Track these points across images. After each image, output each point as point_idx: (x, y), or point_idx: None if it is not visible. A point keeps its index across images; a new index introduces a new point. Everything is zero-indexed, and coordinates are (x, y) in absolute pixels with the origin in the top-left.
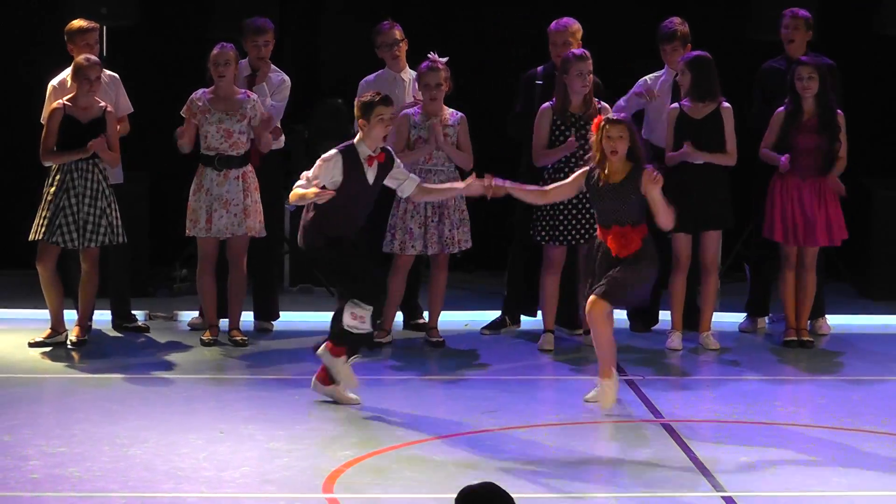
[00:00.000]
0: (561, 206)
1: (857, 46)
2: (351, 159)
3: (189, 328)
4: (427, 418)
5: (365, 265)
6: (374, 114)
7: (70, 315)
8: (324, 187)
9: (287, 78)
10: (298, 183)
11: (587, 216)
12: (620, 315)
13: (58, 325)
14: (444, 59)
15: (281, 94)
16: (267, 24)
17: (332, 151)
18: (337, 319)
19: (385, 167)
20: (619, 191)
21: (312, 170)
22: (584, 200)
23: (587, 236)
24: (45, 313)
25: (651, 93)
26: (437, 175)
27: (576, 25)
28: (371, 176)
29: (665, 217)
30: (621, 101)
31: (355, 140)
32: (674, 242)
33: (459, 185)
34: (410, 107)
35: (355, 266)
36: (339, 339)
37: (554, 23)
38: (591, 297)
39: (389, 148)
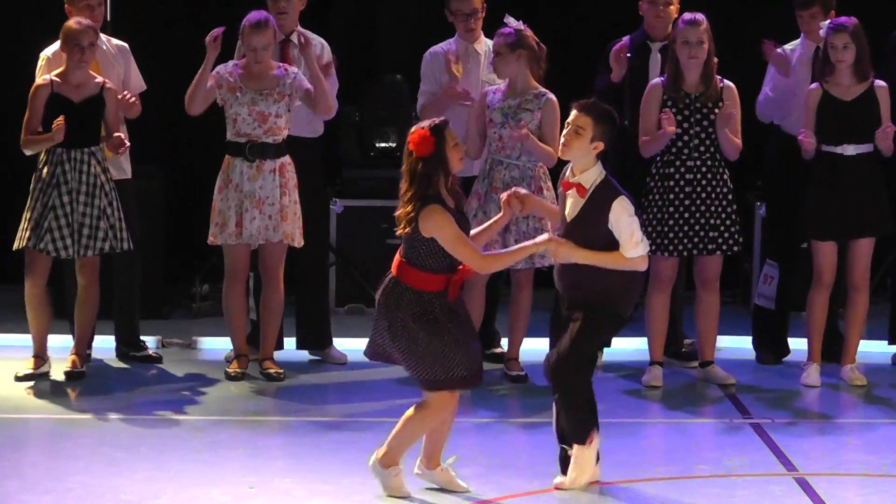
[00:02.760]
0: (671, 209)
1: None
2: None
3: (226, 361)
4: (506, 470)
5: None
6: None
7: (63, 341)
8: None
9: (324, 42)
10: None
11: (702, 221)
12: (746, 344)
13: (42, 352)
14: (521, 24)
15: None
16: None
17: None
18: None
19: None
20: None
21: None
22: (699, 202)
23: (701, 245)
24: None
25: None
26: (510, 170)
27: None
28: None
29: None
30: (768, 91)
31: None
32: (816, 253)
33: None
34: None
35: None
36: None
37: None
38: None
39: None
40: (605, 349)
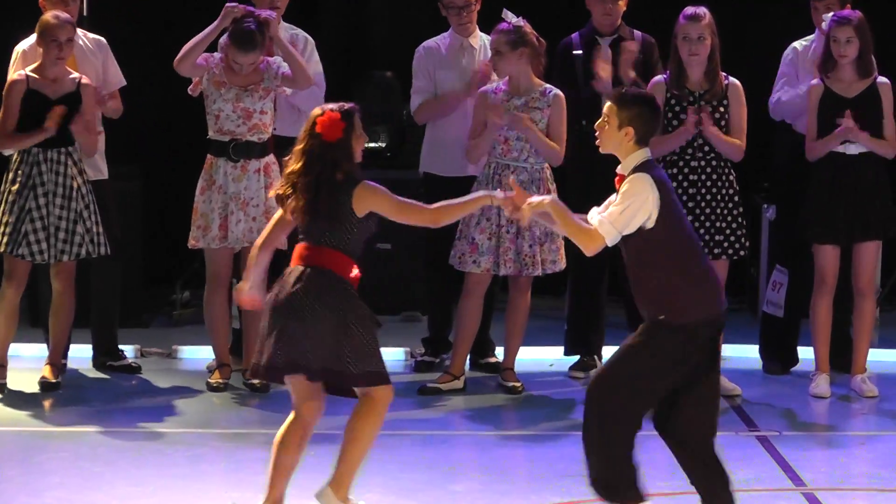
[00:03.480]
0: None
1: None
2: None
3: (207, 371)
4: (503, 485)
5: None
6: None
7: (37, 350)
8: None
9: (308, 36)
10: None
11: (707, 224)
12: (752, 353)
13: (5, 360)
14: (521, 20)
15: (311, 60)
16: None
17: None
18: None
19: None
20: None
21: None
22: (703, 204)
23: (706, 250)
24: (14, 347)
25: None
26: (519, 173)
27: None
28: None
29: None
30: (781, 96)
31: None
32: (818, 256)
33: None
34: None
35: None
36: None
37: None
38: None
39: None
40: (598, 355)
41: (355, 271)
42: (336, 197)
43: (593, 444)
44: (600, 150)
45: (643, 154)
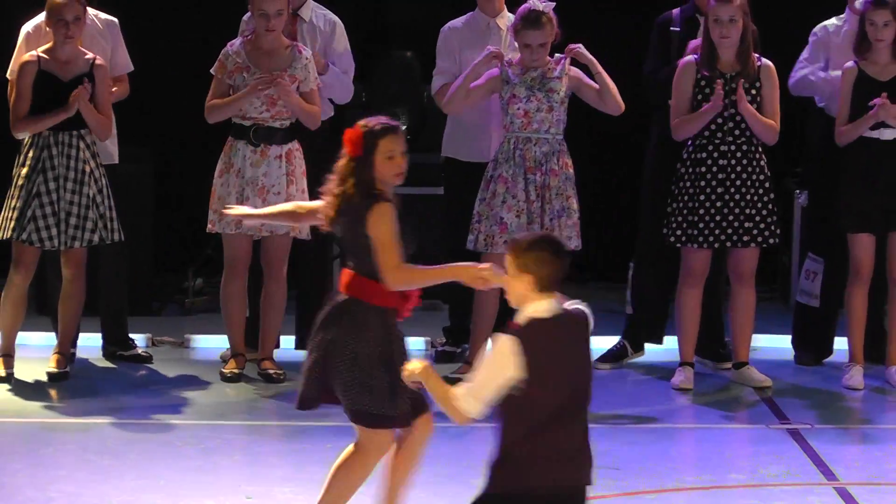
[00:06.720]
0: (703, 198)
1: None
2: None
3: (221, 361)
4: None
5: None
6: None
7: (45, 339)
8: None
9: (336, 19)
10: None
11: (736, 211)
12: (784, 343)
13: (12, 350)
14: (551, 4)
15: (339, 43)
16: None
17: None
18: None
19: None
20: None
21: None
22: (733, 190)
23: (735, 237)
24: (21, 335)
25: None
26: (540, 145)
27: None
28: None
29: None
30: (808, 75)
31: None
32: (852, 246)
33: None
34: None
35: None
36: None
37: None
38: None
39: None
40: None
41: (393, 298)
42: (355, 218)
43: None
44: (511, 305)
45: (543, 306)
